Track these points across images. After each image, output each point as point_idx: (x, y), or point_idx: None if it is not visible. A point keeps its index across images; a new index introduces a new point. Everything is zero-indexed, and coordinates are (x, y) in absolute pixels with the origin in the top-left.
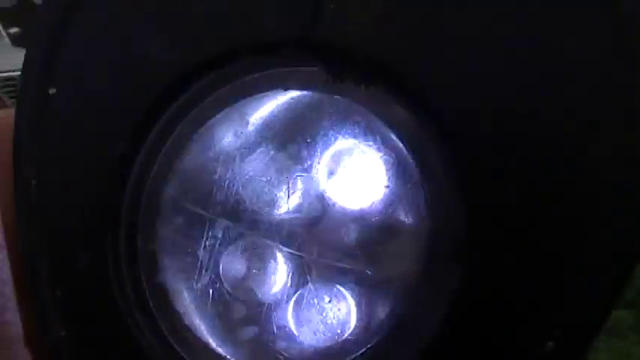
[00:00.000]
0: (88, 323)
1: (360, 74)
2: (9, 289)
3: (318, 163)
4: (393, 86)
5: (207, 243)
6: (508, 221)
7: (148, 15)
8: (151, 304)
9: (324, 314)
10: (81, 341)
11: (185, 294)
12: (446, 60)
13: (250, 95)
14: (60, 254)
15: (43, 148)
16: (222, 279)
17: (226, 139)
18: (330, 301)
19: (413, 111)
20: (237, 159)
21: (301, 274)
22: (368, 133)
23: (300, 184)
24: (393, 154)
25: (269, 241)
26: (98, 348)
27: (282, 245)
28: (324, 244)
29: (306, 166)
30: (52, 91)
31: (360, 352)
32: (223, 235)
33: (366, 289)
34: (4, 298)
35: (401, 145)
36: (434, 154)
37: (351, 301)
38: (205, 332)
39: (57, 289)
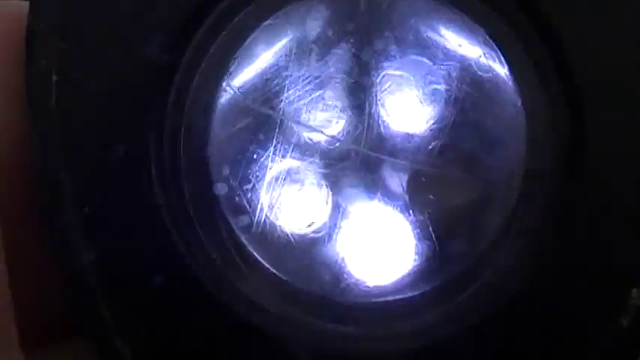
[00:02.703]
0: (123, 243)
1: None
2: (4, 288)
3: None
4: None
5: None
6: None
7: None
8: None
9: (379, 245)
10: (114, 265)
11: None
12: None
13: None
14: (87, 165)
15: (68, 34)
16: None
17: (299, 30)
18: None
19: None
20: (314, 53)
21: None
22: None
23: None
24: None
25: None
26: (135, 271)
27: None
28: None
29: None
30: None
31: (422, 290)
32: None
33: (435, 219)
34: None
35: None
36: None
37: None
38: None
39: (84, 205)
